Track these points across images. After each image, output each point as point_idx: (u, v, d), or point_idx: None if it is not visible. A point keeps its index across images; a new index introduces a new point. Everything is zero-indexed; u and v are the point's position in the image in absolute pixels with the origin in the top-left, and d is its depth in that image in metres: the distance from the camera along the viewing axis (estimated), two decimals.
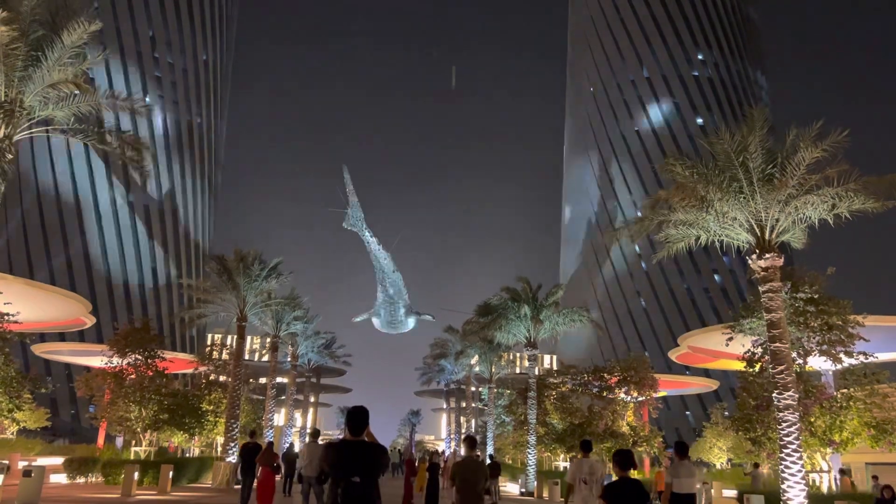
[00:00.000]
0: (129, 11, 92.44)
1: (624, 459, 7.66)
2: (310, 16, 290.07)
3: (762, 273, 17.24)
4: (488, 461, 32.61)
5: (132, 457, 29.11)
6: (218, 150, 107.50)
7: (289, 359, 45.44)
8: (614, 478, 7.81)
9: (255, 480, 16.61)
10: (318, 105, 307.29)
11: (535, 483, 30.71)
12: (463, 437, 12.24)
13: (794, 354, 19.80)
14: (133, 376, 30.03)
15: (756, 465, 27.54)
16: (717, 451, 39.29)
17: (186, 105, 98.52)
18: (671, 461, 11.76)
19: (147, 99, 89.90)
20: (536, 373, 35.66)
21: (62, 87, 17.25)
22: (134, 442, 30.76)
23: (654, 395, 34.88)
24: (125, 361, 30.05)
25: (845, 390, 21.85)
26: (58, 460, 27.18)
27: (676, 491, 11.00)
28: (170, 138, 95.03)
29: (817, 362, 22.56)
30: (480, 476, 9.43)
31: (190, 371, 43.38)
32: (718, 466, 38.83)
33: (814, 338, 21.62)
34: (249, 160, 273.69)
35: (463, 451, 10.14)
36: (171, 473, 23.16)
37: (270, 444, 17.51)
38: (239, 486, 18.88)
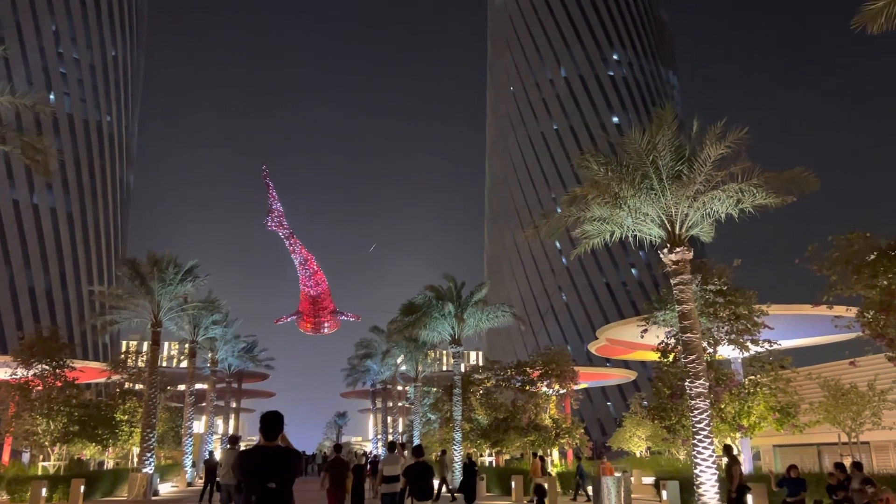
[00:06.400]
0: (29, 4, 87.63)
1: (417, 450, 13.02)
2: (226, 15, 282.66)
3: (673, 266, 17.86)
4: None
5: (40, 472, 27.73)
6: (129, 149, 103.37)
7: (208, 364, 44.13)
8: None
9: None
10: (238, 106, 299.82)
11: (462, 479, 30.88)
12: (332, 444, 18.97)
13: (704, 344, 20.58)
14: (40, 388, 28.59)
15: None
16: (636, 440, 40.40)
17: (94, 103, 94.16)
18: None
19: (52, 96, 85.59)
20: (462, 370, 35.87)
21: None
22: (42, 457, 29.27)
23: (575, 387, 35.64)
24: (31, 372, 28.59)
25: (752, 377, 22.89)
26: None
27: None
28: (77, 137, 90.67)
29: (726, 351, 23.54)
30: (345, 471, 14.98)
31: (103, 380, 41.58)
32: (638, 455, 39.99)
33: (723, 327, 22.55)
34: (165, 161, 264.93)
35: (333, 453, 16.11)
36: (82, 488, 22.20)
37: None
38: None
